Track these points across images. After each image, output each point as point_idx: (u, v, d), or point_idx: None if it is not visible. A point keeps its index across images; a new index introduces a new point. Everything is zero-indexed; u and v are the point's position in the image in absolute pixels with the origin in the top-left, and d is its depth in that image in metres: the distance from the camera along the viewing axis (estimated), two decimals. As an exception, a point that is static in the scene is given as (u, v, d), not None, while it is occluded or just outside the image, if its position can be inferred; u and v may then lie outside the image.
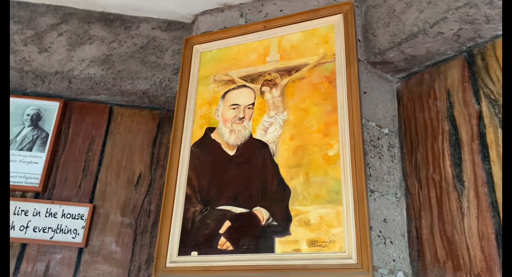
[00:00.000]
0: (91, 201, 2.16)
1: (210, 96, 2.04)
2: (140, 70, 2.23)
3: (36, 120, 2.27)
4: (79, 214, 2.09)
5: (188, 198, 1.84)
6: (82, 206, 2.11)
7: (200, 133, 1.98)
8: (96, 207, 2.14)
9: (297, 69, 1.91)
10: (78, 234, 2.05)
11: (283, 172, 1.72)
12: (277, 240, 1.61)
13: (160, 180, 2.26)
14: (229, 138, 1.90)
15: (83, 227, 2.07)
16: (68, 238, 2.04)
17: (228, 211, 1.75)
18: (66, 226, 2.06)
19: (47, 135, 2.24)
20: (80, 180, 2.20)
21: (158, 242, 1.78)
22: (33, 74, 2.19)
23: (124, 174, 2.24)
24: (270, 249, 1.61)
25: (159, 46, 2.32)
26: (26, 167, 2.16)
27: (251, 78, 1.98)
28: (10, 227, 2.03)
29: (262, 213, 1.69)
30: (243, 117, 1.92)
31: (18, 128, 2.24)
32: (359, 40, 1.92)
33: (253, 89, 1.96)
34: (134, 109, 2.40)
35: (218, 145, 1.91)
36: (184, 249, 1.74)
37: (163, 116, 2.41)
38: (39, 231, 2.04)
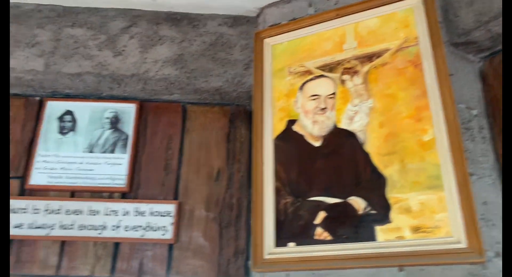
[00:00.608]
0: (175, 198, 2.21)
1: (287, 89, 2.04)
2: (212, 68, 2.26)
3: (115, 122, 2.33)
4: (166, 211, 2.15)
5: (277, 191, 1.86)
6: (168, 203, 2.17)
7: (281, 126, 1.99)
8: (181, 204, 2.19)
9: (377, 55, 1.89)
10: (167, 230, 2.11)
11: (376, 160, 1.72)
12: (378, 228, 1.61)
13: (238, 174, 2.29)
14: (312, 130, 1.91)
15: (171, 224, 2.12)
16: (158, 235, 2.11)
17: (321, 202, 1.76)
18: (155, 224, 2.12)
19: (127, 136, 2.30)
20: (163, 178, 2.26)
21: (253, 235, 1.81)
22: (110, 78, 2.25)
23: (204, 170, 2.29)
24: (371, 237, 1.61)
25: (227, 42, 2.34)
26: (110, 168, 2.23)
27: (329, 68, 1.98)
28: (103, 227, 2.10)
29: (358, 203, 1.69)
30: (325, 108, 1.91)
31: (99, 132, 2.31)
32: (439, 21, 1.88)
33: (332, 79, 1.95)
34: (206, 107, 2.44)
35: (301, 137, 1.92)
36: (280, 241, 1.77)
37: (234, 112, 2.44)
38: (130, 230, 2.11)
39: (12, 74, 2.22)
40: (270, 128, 2.00)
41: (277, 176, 1.90)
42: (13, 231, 2.08)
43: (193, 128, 2.39)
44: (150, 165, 2.28)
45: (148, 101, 2.42)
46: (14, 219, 2.10)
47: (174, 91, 2.34)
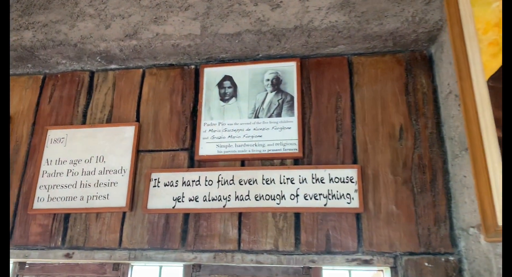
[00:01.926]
0: (354, 161, 1.95)
1: (496, 17, 1.62)
2: (386, 7, 1.92)
3: (276, 84, 2.12)
4: (347, 177, 1.90)
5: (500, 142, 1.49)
6: (348, 168, 1.92)
7: (495, 64, 1.59)
8: (363, 168, 1.92)
9: None
10: (353, 198, 1.86)
11: None
12: None
13: (425, 130, 1.95)
14: (543, 62, 1.48)
15: (356, 191, 1.87)
16: (342, 203, 1.86)
17: None
18: (337, 191, 1.88)
19: (292, 98, 2.08)
20: (336, 141, 2.00)
21: (479, 199, 1.47)
22: (270, 34, 2.02)
23: (383, 129, 1.98)
24: None
25: (398, -24, 1.97)
26: (280, 133, 2.03)
27: (559, -19, 1.51)
28: (281, 196, 1.92)
29: None
30: (560, 32, 1.47)
31: (262, 95, 2.12)
32: None
33: None
34: (375, 56, 2.11)
35: (526, 73, 1.50)
36: (519, 204, 1.40)
37: (409, 59, 2.08)
38: (311, 199, 1.90)
39: (169, 41, 2.11)
40: (480, 67, 1.61)
41: (499, 125, 1.51)
42: (189, 205, 1.99)
43: (363, 82, 2.09)
44: (320, 127, 2.04)
45: (308, 57, 2.17)
46: (188, 192, 2.01)
47: (339, 42, 2.04)
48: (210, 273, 2.03)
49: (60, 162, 2.18)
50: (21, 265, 2.24)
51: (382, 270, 1.90)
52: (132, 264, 2.12)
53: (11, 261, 2.17)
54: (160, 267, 2.18)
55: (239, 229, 1.94)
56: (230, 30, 2.04)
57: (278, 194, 1.94)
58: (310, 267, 1.91)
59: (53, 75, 2.42)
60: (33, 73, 2.43)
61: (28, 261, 2.15)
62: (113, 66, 2.35)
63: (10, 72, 2.43)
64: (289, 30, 2.00)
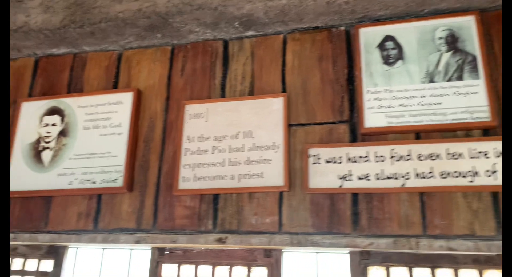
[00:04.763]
0: None
1: None
2: None
3: (452, 42, 1.82)
4: (559, 148, 1.57)
5: None
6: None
7: None
8: None
9: None
10: None
11: None
12: None
13: None
14: None
15: None
16: (556, 180, 1.54)
17: None
18: (548, 166, 1.56)
19: (474, 57, 1.77)
20: (537, 107, 1.67)
21: None
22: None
23: None
24: None
25: None
26: (464, 100, 1.73)
27: None
28: (474, 173, 1.63)
29: None
30: None
31: (435, 56, 1.82)
32: None
33: None
34: None
35: None
36: None
37: None
38: None
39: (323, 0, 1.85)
40: None
41: None
42: (359, 184, 1.74)
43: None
44: (514, 91, 1.71)
45: (486, 10, 1.84)
46: (356, 169, 1.76)
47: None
48: (382, 261, 1.78)
49: (203, 139, 1.99)
50: (160, 251, 2.10)
51: None
52: (288, 250, 1.92)
53: (154, 246, 2.03)
54: (316, 254, 1.97)
55: (422, 211, 1.67)
56: (401, -19, 1.75)
57: (469, 171, 1.65)
58: (512, 256, 1.62)
59: (182, 46, 2.22)
60: (160, 44, 2.25)
61: (176, 246, 2.00)
62: (249, 33, 2.12)
63: (135, 44, 2.25)
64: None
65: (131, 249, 2.23)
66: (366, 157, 1.77)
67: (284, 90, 1.99)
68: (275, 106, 1.95)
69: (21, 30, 2.20)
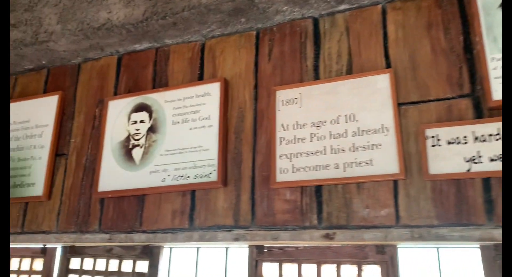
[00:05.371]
0: None
1: None
2: None
3: None
4: None
5: None
6: None
7: None
8: None
9: None
10: None
11: None
12: None
13: None
14: None
15: None
16: None
17: None
18: None
19: None
20: None
21: None
22: None
23: None
24: None
25: None
26: None
27: None
28: None
29: None
30: None
31: None
32: None
33: None
34: None
35: None
36: None
37: None
38: None
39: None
40: None
41: None
42: (491, 166, 1.48)
43: None
44: None
45: None
46: (486, 150, 1.50)
47: None
48: (525, 256, 1.50)
49: (299, 126, 1.82)
50: (259, 249, 1.96)
51: None
52: (404, 246, 1.70)
53: (254, 243, 1.89)
54: (437, 249, 1.73)
55: None
56: None
57: None
58: None
59: (267, 29, 2.07)
60: (244, 30, 2.11)
61: (278, 243, 1.85)
62: (342, 7, 1.92)
63: (217, 32, 2.13)
64: None
65: (226, 248, 2.12)
66: (497, 134, 1.51)
67: (388, 66, 1.77)
68: (379, 84, 1.74)
69: (104, 27, 2.16)
